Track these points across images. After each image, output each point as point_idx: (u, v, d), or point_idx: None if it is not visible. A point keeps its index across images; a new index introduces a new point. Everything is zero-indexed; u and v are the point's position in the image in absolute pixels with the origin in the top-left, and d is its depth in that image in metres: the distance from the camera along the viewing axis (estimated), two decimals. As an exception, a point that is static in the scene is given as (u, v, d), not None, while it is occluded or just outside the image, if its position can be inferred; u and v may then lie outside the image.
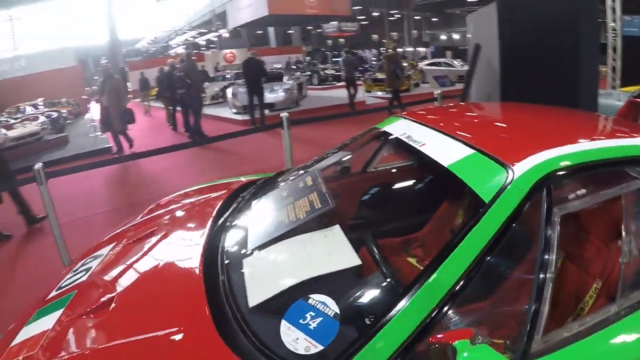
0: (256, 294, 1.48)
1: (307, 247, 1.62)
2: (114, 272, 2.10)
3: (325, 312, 1.25)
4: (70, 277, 2.16)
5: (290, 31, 32.93)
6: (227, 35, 26.42)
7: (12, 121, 12.51)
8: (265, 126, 8.68)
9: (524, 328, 1.25)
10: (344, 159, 2.29)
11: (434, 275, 1.22)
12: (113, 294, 1.87)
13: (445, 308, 1.19)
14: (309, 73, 20.99)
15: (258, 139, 7.33)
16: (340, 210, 1.86)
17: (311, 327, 1.23)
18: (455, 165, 1.56)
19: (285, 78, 14.68)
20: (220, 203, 2.33)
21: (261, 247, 1.75)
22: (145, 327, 1.57)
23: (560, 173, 1.43)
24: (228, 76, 18.93)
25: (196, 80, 10.07)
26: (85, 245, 2.53)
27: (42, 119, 12.95)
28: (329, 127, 7.63)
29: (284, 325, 1.27)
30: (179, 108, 11.30)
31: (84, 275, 2.12)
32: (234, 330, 1.36)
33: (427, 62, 17.61)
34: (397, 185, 2.04)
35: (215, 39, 28.88)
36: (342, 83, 14.98)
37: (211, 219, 2.15)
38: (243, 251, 1.77)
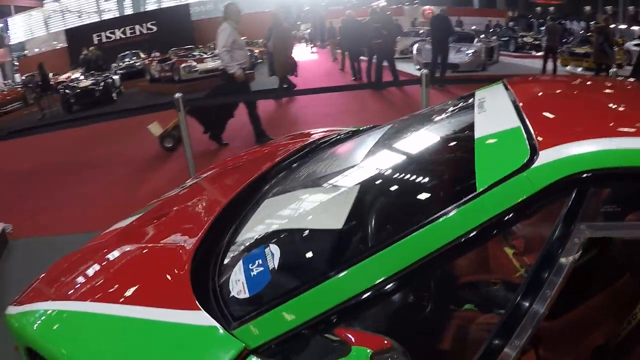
0: (245, 232, 1.49)
1: (313, 200, 1.55)
2: (189, 193, 2.32)
3: (268, 264, 1.19)
4: (171, 192, 2.44)
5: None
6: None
7: (205, 56, 14.58)
8: (405, 81, 8.97)
9: None
10: (423, 120, 2.06)
11: (362, 263, 1.02)
12: (172, 210, 2.09)
13: (359, 307, 1.01)
14: (505, 38, 19.17)
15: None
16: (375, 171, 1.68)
17: (253, 273, 1.19)
18: (484, 138, 1.23)
19: (475, 40, 13.65)
20: (297, 147, 2.34)
21: (284, 192, 1.73)
22: (165, 239, 1.72)
23: (605, 174, 0.93)
24: (421, 32, 18.40)
25: (392, 32, 10.01)
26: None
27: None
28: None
29: (239, 266, 1.26)
30: (362, 57, 11.45)
31: (177, 191, 2.38)
32: (203, 258, 1.40)
33: (635, 42, 14.13)
34: (446, 156, 1.68)
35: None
36: (541, 53, 13.31)
37: (275, 161, 2.18)
38: (269, 193, 1.77)
